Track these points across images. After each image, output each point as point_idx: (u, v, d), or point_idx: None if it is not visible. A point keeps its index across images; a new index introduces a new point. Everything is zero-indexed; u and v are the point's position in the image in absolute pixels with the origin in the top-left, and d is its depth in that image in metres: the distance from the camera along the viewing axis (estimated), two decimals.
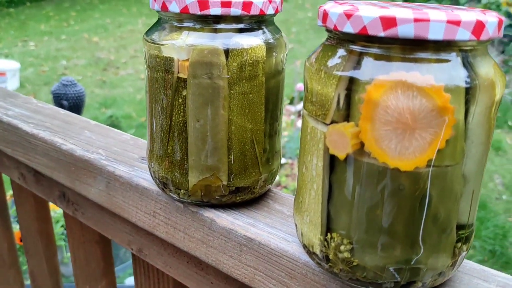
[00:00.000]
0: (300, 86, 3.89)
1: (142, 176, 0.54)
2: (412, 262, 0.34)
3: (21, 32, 7.02)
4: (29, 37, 6.73)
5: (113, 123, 3.05)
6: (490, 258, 2.82)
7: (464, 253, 0.37)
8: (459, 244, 0.36)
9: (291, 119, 3.43)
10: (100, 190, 0.58)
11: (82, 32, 7.01)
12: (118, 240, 0.63)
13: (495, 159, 3.99)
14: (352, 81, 0.32)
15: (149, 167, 0.50)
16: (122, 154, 0.60)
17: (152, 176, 0.50)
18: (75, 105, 2.22)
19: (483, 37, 0.31)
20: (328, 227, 0.36)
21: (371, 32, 0.31)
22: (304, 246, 0.39)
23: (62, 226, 1.74)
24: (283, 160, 2.90)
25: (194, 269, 0.54)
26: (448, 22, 0.29)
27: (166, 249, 0.56)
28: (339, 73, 0.33)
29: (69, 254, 1.70)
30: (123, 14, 8.10)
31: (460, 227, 0.35)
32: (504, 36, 6.98)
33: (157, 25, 0.46)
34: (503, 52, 6.74)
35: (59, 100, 2.21)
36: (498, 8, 6.87)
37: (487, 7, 6.90)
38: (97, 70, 5.49)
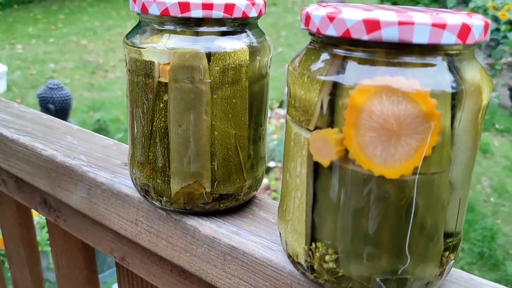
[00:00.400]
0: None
1: (124, 183, 0.53)
2: (399, 272, 0.33)
3: (8, 35, 6.95)
4: (17, 40, 6.67)
5: (101, 127, 3.02)
6: (479, 260, 2.82)
7: (452, 262, 0.36)
8: (446, 253, 0.35)
9: (280, 123, 3.43)
10: (81, 197, 0.57)
11: (70, 35, 6.95)
12: (101, 247, 0.62)
13: (482, 162, 4.01)
14: (335, 86, 0.31)
15: (130, 173, 0.49)
16: (104, 160, 0.59)
17: (133, 183, 0.49)
18: (61, 108, 2.19)
19: (469, 41, 0.30)
20: (313, 236, 0.35)
21: (354, 35, 0.30)
22: (289, 256, 0.38)
23: (47, 232, 1.71)
24: (272, 164, 2.89)
25: (178, 278, 0.52)
26: (433, 25, 0.28)
27: (149, 258, 0.54)
28: (323, 78, 0.32)
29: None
30: (112, 17, 8.06)
31: (447, 235, 0.35)
32: (491, 40, 7.05)
33: (138, 28, 0.45)
34: (489, 55, 6.79)
35: (45, 103, 2.18)
36: (485, 12, 6.92)
37: (475, 11, 6.96)
38: (85, 73, 5.45)
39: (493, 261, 2.81)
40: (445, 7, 5.51)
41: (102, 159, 0.59)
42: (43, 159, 0.60)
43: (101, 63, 5.77)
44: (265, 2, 0.45)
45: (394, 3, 4.61)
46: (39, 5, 8.88)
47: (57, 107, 2.15)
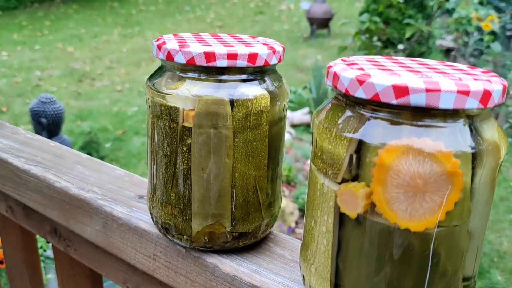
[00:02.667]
0: None
1: (141, 218, 0.54)
2: None
3: None
4: (2, 47, 6.61)
5: (92, 139, 3.01)
6: None
7: None
8: None
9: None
10: (96, 230, 0.58)
11: (56, 42, 6.91)
12: (113, 278, 0.62)
13: None
14: (362, 143, 0.33)
15: (150, 211, 0.50)
16: (118, 192, 0.60)
17: (153, 221, 0.50)
18: (54, 122, 2.18)
19: (490, 104, 0.32)
20: (337, 282, 0.37)
21: (383, 99, 0.32)
22: None
23: (40, 247, 1.70)
24: None
25: None
26: (458, 92, 0.31)
27: None
28: (350, 135, 0.34)
29: (48, 276, 1.66)
30: (98, 24, 8.03)
31: (465, 279, 0.37)
32: (475, 49, 7.18)
33: (160, 72, 0.46)
34: (474, 65, 6.91)
35: (37, 117, 2.17)
36: (469, 22, 7.06)
37: (458, 21, 7.08)
38: (72, 81, 5.42)
39: (479, 269, 2.86)
40: (430, 16, 5.60)
41: (115, 191, 0.60)
42: (56, 191, 0.61)
43: (87, 71, 5.75)
44: (283, 48, 0.47)
45: (381, 14, 4.67)
46: (24, 12, 8.81)
47: (49, 121, 2.14)
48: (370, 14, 4.52)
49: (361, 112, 0.34)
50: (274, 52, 0.44)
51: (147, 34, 7.31)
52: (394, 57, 0.40)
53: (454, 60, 7.25)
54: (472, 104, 0.31)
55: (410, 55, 5.31)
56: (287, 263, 0.47)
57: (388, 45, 4.88)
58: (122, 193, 0.60)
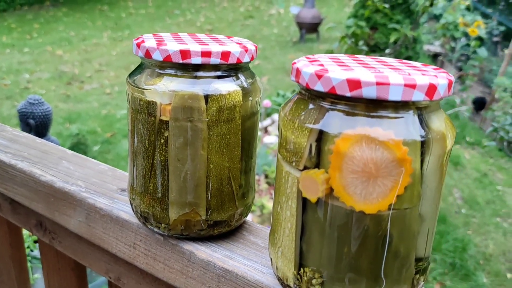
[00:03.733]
0: (266, 102, 3.95)
1: (122, 209, 0.57)
2: None
3: None
4: None
5: (80, 141, 3.02)
6: (450, 270, 2.91)
7: (422, 283, 0.41)
8: (417, 276, 0.40)
9: (258, 136, 3.47)
10: (80, 222, 0.60)
11: (45, 45, 6.90)
12: (96, 268, 0.65)
13: (454, 174, 4.13)
14: (322, 133, 0.36)
15: (130, 201, 0.52)
16: (101, 185, 0.62)
17: (133, 210, 0.53)
18: (42, 124, 2.19)
19: (435, 97, 0.35)
20: (301, 262, 0.40)
21: (339, 92, 0.35)
22: (279, 279, 0.43)
23: (27, 247, 1.72)
24: None
25: None
26: (405, 85, 0.34)
27: (145, 278, 0.58)
28: (311, 126, 0.37)
29: (35, 275, 1.68)
30: (88, 27, 8.03)
31: (418, 260, 0.40)
32: (462, 54, 7.27)
33: (140, 69, 0.49)
34: (460, 69, 7.01)
35: (25, 119, 2.18)
36: (455, 28, 7.15)
37: (445, 27, 7.18)
38: (61, 84, 5.41)
39: (465, 271, 2.90)
40: (417, 23, 5.67)
41: (99, 184, 0.63)
42: (42, 185, 0.63)
43: (77, 73, 5.75)
44: (256, 47, 0.50)
45: (369, 19, 4.73)
46: (13, 14, 8.78)
47: (37, 122, 2.15)
48: (358, 19, 4.57)
49: (321, 104, 0.37)
50: (246, 50, 0.48)
51: (136, 37, 7.32)
52: (356, 56, 0.43)
53: (442, 65, 7.35)
54: (418, 96, 0.34)
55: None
56: (259, 249, 0.50)
57: (376, 50, 4.94)
58: (105, 186, 0.62)
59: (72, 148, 3.00)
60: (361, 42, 2.79)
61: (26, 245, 1.55)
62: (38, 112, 2.15)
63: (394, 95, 0.34)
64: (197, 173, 0.48)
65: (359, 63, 0.39)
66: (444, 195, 3.76)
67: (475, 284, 2.80)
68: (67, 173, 0.65)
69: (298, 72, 0.38)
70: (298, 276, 0.40)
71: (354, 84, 0.34)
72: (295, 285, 0.40)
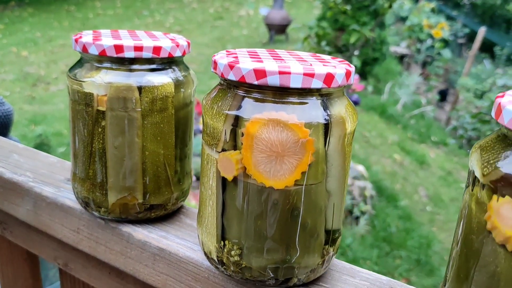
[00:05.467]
0: None
1: (67, 196, 0.60)
2: (288, 262, 0.42)
3: None
4: None
5: (43, 142, 3.00)
6: (416, 266, 2.99)
7: (332, 253, 0.45)
8: (327, 246, 0.45)
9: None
10: (28, 210, 0.63)
11: (10, 45, 6.78)
12: (45, 255, 0.68)
13: (419, 173, 4.25)
14: (236, 118, 0.40)
15: (73, 188, 0.56)
16: (49, 176, 0.65)
17: (75, 196, 0.56)
18: (2, 124, 2.17)
19: (333, 85, 0.40)
20: (223, 236, 0.44)
21: (248, 80, 0.39)
22: (205, 253, 0.47)
23: None
24: None
25: (115, 279, 0.60)
26: (305, 74, 0.38)
27: (90, 262, 0.61)
28: (227, 112, 0.41)
29: None
30: (54, 27, 7.92)
31: (327, 232, 0.44)
32: (427, 56, 7.46)
33: (79, 63, 0.53)
34: (425, 71, 7.19)
35: None
36: (421, 30, 7.34)
37: (411, 29, 7.35)
38: (26, 85, 5.34)
39: (429, 267, 2.99)
40: (382, 24, 5.81)
41: (47, 175, 0.66)
42: None
43: (42, 75, 5.67)
44: (188, 43, 0.54)
45: (337, 21, 4.82)
46: None
47: None
48: (325, 21, 4.65)
49: (236, 92, 0.41)
50: (177, 45, 0.51)
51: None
52: (274, 51, 0.48)
53: (408, 66, 7.53)
54: (317, 84, 0.39)
55: (363, 61, 5.49)
56: (194, 230, 0.54)
57: (343, 51, 5.03)
58: (52, 177, 0.65)
59: (35, 148, 2.97)
60: (323, 43, 2.85)
61: None
62: None
63: (295, 83, 0.38)
64: (133, 159, 0.51)
65: (272, 56, 0.44)
66: (410, 193, 3.87)
67: (439, 279, 2.89)
68: (16, 165, 0.68)
69: (215, 63, 0.42)
70: (220, 249, 0.44)
71: (260, 73, 0.39)
72: (217, 257, 0.44)
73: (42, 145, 2.92)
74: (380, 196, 3.54)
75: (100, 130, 0.51)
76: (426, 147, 4.89)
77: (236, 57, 0.42)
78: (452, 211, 3.78)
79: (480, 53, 7.96)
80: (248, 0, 8.65)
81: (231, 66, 0.40)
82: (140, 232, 0.53)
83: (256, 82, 0.39)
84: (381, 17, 2.75)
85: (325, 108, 0.41)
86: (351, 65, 0.43)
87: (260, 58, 0.42)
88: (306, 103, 0.40)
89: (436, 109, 6.35)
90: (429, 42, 7.34)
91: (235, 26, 7.97)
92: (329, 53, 3.03)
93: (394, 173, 4.03)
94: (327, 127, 0.40)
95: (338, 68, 0.41)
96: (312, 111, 0.40)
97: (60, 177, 0.66)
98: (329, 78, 0.39)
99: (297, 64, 0.40)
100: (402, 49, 7.74)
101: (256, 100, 0.40)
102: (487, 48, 8.29)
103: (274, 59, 0.42)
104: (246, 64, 0.39)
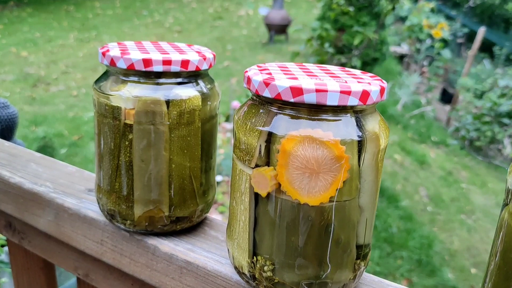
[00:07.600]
0: (235, 104, 3.99)
1: (90, 208, 0.60)
2: (322, 278, 0.43)
3: None
4: None
5: (46, 144, 3.00)
6: (417, 267, 3.00)
7: (363, 268, 0.46)
8: (358, 261, 0.45)
9: (227, 137, 3.51)
10: (49, 221, 0.63)
11: (9, 46, 6.76)
12: (65, 266, 0.68)
13: (420, 173, 4.25)
14: (270, 134, 0.40)
15: (97, 200, 0.56)
16: (69, 186, 0.65)
17: (100, 208, 0.56)
18: (7, 127, 2.17)
19: (369, 102, 0.40)
20: (255, 252, 0.44)
21: (284, 98, 0.39)
22: (235, 268, 0.47)
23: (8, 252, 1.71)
24: (220, 178, 2.96)
25: None
26: (341, 92, 0.38)
27: (112, 273, 0.61)
28: (261, 128, 0.41)
29: (2, 280, 1.67)
30: (54, 28, 7.90)
31: (358, 247, 0.44)
32: (427, 56, 7.47)
33: (105, 76, 0.53)
34: (424, 71, 7.19)
35: None
36: (420, 30, 7.35)
37: (411, 29, 7.36)
38: (26, 86, 5.32)
39: (431, 267, 3.00)
40: (383, 25, 5.81)
41: (67, 185, 0.65)
42: (11, 186, 0.66)
43: (42, 75, 5.66)
44: (214, 55, 0.54)
45: (337, 21, 4.82)
46: None
47: (3, 126, 2.13)
48: (325, 21, 4.65)
49: (270, 109, 0.41)
50: (204, 59, 0.51)
51: (104, 38, 7.25)
52: (303, 64, 0.48)
53: (408, 66, 7.53)
54: (353, 101, 0.39)
55: (363, 61, 5.49)
56: (219, 243, 0.54)
57: (344, 51, 5.04)
58: (73, 187, 0.65)
59: (39, 151, 2.97)
60: (327, 44, 2.86)
61: None
62: (4, 116, 2.13)
63: (332, 101, 0.38)
64: (159, 172, 0.51)
65: (304, 72, 0.44)
66: (411, 193, 3.87)
67: (440, 280, 2.90)
68: (35, 174, 0.68)
69: (249, 80, 0.42)
70: (252, 264, 0.44)
71: (297, 91, 0.39)
72: (249, 273, 0.45)
73: (45, 148, 2.92)
74: (381, 197, 3.54)
75: (127, 143, 0.51)
76: (427, 147, 4.90)
77: (270, 74, 0.42)
78: (452, 211, 3.78)
79: (480, 53, 7.97)
80: (248, 0, 8.65)
81: (266, 84, 0.40)
82: (166, 245, 0.53)
83: (292, 100, 0.39)
84: (383, 19, 2.75)
85: (359, 124, 0.41)
86: (384, 81, 0.43)
87: (293, 74, 0.42)
88: (340, 120, 0.40)
89: (436, 109, 6.36)
90: (428, 42, 7.35)
91: (235, 26, 7.97)
92: (332, 55, 3.04)
93: (395, 173, 4.03)
94: (361, 143, 0.40)
95: (373, 85, 0.41)
96: (346, 128, 0.40)
97: (80, 187, 0.65)
98: (364, 95, 0.39)
99: (332, 81, 0.40)
100: (402, 49, 7.75)
101: (291, 117, 0.40)
102: (486, 48, 8.31)
103: (307, 75, 0.42)
104: (282, 82, 0.39)
